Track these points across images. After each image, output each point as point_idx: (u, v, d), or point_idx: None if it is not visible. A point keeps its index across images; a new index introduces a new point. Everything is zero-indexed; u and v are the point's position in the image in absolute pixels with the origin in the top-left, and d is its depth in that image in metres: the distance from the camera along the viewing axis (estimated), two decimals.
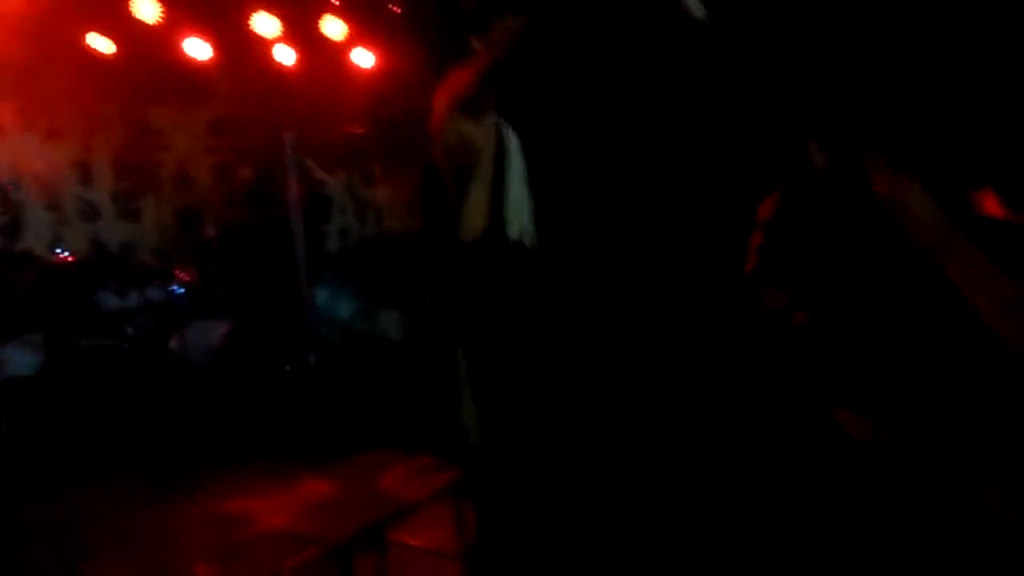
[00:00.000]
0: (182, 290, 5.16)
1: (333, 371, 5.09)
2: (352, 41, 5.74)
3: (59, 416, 4.57)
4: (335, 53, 5.74)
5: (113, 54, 4.94)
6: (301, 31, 5.59)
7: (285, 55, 5.59)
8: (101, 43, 4.92)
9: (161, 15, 4.94)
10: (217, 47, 5.29)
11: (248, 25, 5.39)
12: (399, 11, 5.82)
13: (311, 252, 5.38)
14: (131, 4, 4.82)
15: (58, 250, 4.87)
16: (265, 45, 5.46)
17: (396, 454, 3.42)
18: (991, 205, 2.54)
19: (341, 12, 5.59)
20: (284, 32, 5.50)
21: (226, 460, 4.10)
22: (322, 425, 4.40)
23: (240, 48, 5.39)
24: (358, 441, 3.72)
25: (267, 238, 5.49)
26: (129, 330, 5.01)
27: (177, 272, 5.16)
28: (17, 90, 4.81)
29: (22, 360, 4.77)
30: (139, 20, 4.94)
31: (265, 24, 5.39)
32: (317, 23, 5.64)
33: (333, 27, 5.70)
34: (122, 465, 4.27)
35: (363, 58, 5.87)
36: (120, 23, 4.86)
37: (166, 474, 4.10)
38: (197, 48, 5.27)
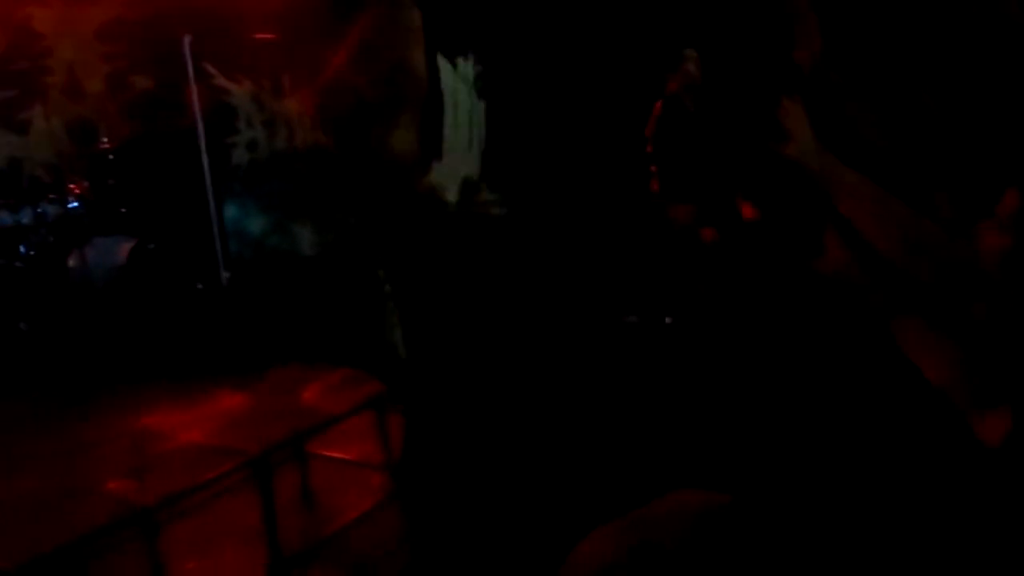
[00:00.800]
0: (76, 204, 4.89)
1: (245, 287, 4.95)
2: None
3: None
4: None
5: None
6: None
7: None
8: None
9: None
10: None
11: None
12: None
13: (217, 165, 5.14)
14: None
15: None
16: None
17: (314, 368, 3.36)
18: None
19: None
20: None
21: (137, 378, 3.96)
22: (237, 341, 4.30)
23: None
24: (275, 357, 3.65)
25: (169, 150, 5.22)
26: (22, 248, 4.73)
27: (71, 186, 4.88)
28: None
29: None
30: None
31: None
32: None
33: None
34: (24, 385, 4.09)
35: None
36: None
37: (73, 393, 3.95)
38: None
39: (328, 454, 3.22)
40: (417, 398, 3.60)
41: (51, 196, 4.81)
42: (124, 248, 4.79)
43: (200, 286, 4.86)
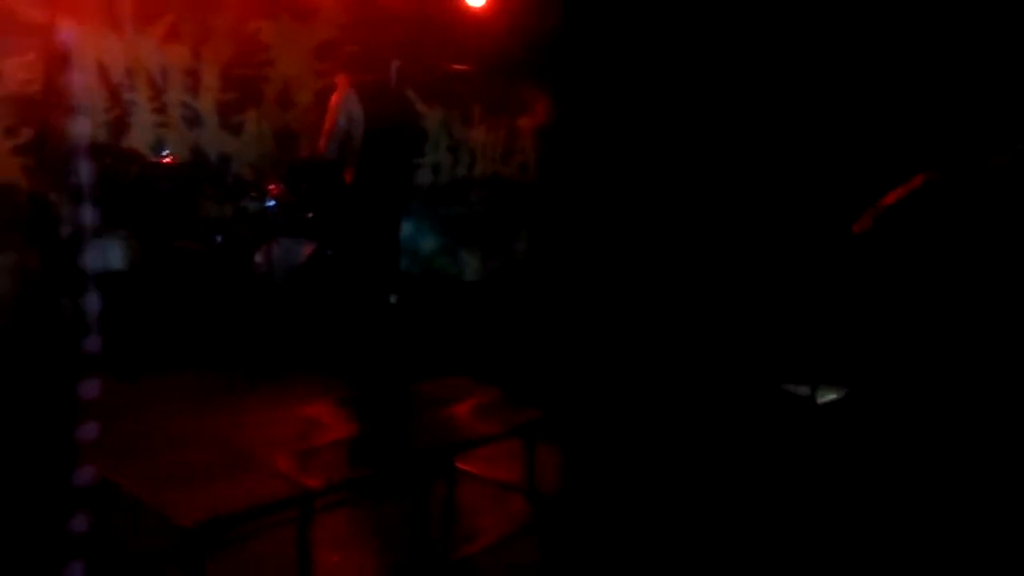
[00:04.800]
0: (272, 204, 5.21)
1: (411, 302, 5.11)
2: None
3: (146, 311, 4.68)
4: None
5: None
6: None
7: None
8: None
9: None
10: None
11: None
12: None
13: (407, 186, 5.38)
14: None
15: (164, 152, 4.96)
16: None
17: (469, 384, 3.41)
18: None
19: None
20: None
21: (309, 370, 4.16)
22: (398, 351, 4.43)
23: None
24: (434, 370, 3.73)
25: (397, 167, 5.49)
26: (218, 238, 5.09)
27: (270, 187, 5.21)
28: None
29: (115, 254, 4.89)
30: None
31: None
32: None
33: None
34: (203, 363, 4.37)
35: None
36: None
37: (247, 375, 4.18)
38: None
39: (476, 472, 3.24)
40: (581, 432, 3.57)
41: (252, 194, 5.16)
42: (305, 250, 5.07)
43: (393, 298, 5.01)
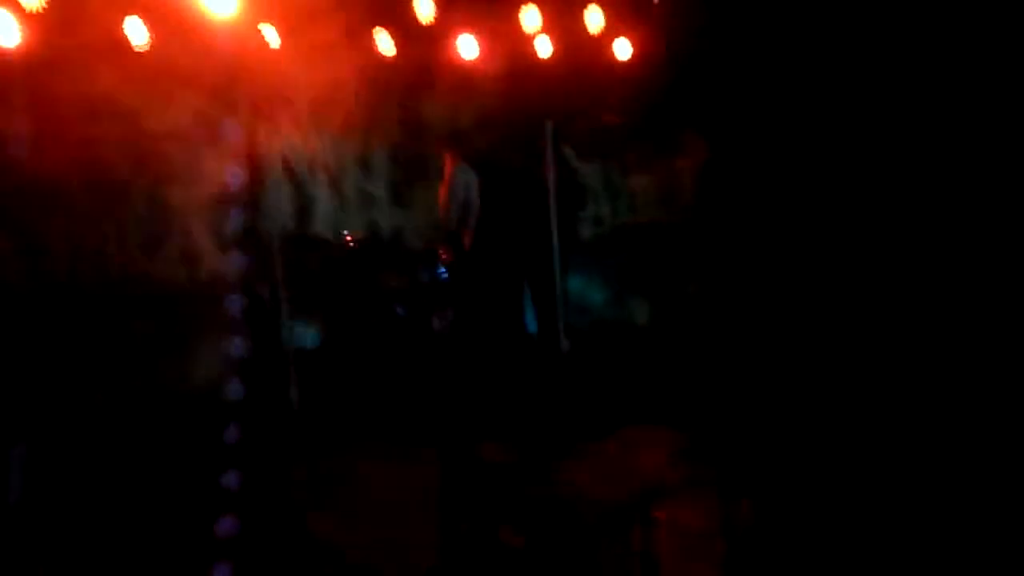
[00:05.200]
0: (445, 272, 5.46)
1: (584, 355, 5.16)
2: (611, 32, 5.81)
3: (340, 385, 4.98)
4: (594, 44, 5.84)
5: (393, 55, 5.36)
6: (561, 24, 5.73)
7: (545, 47, 5.77)
8: (384, 43, 5.34)
9: (435, 15, 5.28)
10: (484, 43, 5.55)
11: (512, 20, 5.62)
12: (657, 1, 5.82)
13: (565, 239, 5.49)
14: (412, 5, 5.21)
15: (344, 233, 5.34)
16: (527, 39, 5.66)
17: (653, 431, 3.39)
18: None
19: (600, 3, 5.67)
20: (544, 25, 5.68)
21: (497, 432, 4.25)
22: (579, 404, 4.47)
23: (504, 43, 5.62)
24: (617, 420, 3.74)
25: (524, 224, 5.67)
26: (399, 309, 5.38)
27: (441, 254, 5.47)
28: (311, 91, 5.31)
29: (308, 333, 5.27)
30: (415, 20, 5.32)
31: (530, 18, 5.59)
32: (577, 15, 5.77)
33: (593, 18, 5.81)
34: (402, 433, 4.57)
35: (623, 49, 5.93)
36: (398, 24, 5.25)
37: (441, 441, 4.33)
38: (467, 45, 5.58)
39: (673, 518, 3.20)
40: (778, 481, 3.45)
41: (423, 263, 5.45)
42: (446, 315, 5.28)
43: (567, 344, 5.14)
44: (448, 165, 5.05)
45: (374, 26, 5.26)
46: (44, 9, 4.56)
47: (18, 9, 4.51)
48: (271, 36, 5.02)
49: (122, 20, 4.57)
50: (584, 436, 3.89)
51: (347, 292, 5.29)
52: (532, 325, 5.40)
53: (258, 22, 4.94)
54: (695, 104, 5.74)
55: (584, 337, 5.31)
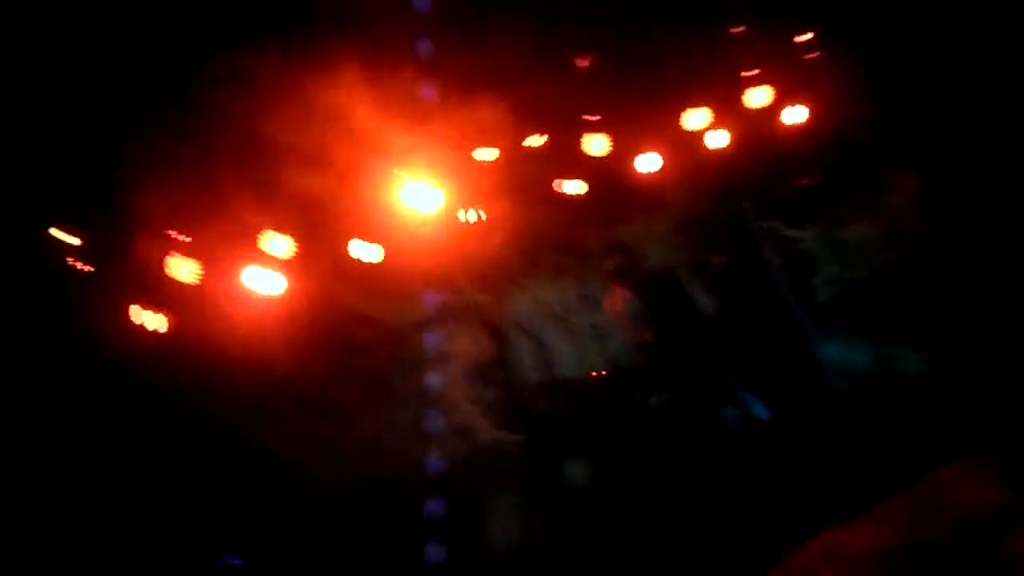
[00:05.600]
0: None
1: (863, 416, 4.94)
2: (780, 102, 5.86)
3: None
4: (766, 118, 5.89)
5: (586, 192, 5.69)
6: (728, 110, 5.85)
7: (719, 138, 5.89)
8: (573, 186, 5.70)
9: (611, 145, 5.60)
10: (664, 155, 5.76)
11: (679, 125, 5.82)
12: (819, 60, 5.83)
13: (804, 308, 5.36)
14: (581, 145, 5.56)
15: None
16: (697, 136, 5.82)
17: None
18: None
19: (763, 79, 5.76)
20: (714, 119, 5.82)
21: None
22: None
23: (675, 148, 5.81)
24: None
25: (754, 307, 5.62)
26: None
27: None
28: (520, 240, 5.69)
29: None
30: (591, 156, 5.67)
31: (697, 118, 5.77)
32: (740, 99, 5.88)
33: (758, 97, 5.89)
34: None
35: (796, 114, 5.93)
36: (577, 164, 5.61)
37: None
38: (648, 162, 5.81)
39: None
40: None
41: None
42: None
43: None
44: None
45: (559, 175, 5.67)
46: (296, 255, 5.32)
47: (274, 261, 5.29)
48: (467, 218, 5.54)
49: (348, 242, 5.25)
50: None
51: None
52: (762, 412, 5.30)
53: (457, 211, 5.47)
54: (890, 141, 5.58)
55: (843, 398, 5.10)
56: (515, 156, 5.50)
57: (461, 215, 5.45)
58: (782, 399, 5.24)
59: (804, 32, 5.88)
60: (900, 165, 5.56)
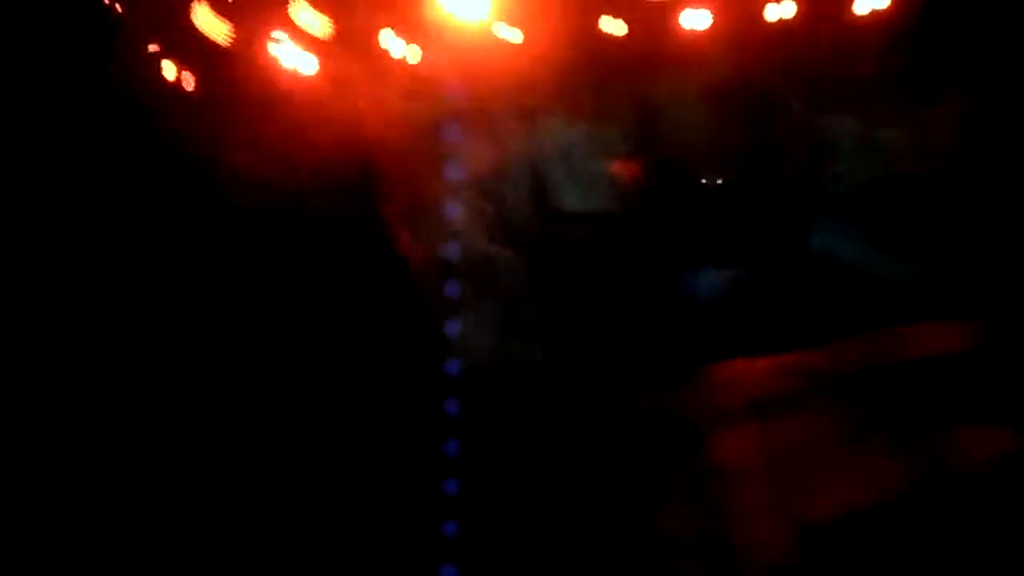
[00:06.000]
0: None
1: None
2: None
3: None
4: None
5: (624, 35, 5.55)
6: None
7: (783, 10, 5.61)
8: (613, 26, 5.56)
9: None
10: (714, 13, 5.54)
11: None
12: None
13: (813, 197, 5.30)
14: None
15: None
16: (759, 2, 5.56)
17: None
18: None
19: None
20: None
21: None
22: None
23: (735, 10, 5.57)
24: None
25: (767, 192, 5.55)
26: None
27: None
28: (559, 84, 5.65)
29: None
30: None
31: None
32: None
33: None
34: None
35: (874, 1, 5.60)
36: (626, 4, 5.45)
37: None
38: (696, 18, 5.60)
39: None
40: None
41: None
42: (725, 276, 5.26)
43: None
44: None
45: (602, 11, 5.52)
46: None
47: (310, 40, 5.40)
48: (509, 34, 5.49)
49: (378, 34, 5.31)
50: None
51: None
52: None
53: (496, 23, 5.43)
54: (951, 54, 5.28)
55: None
56: None
57: (498, 30, 5.43)
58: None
59: None
60: (954, 81, 5.29)
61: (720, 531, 3.26)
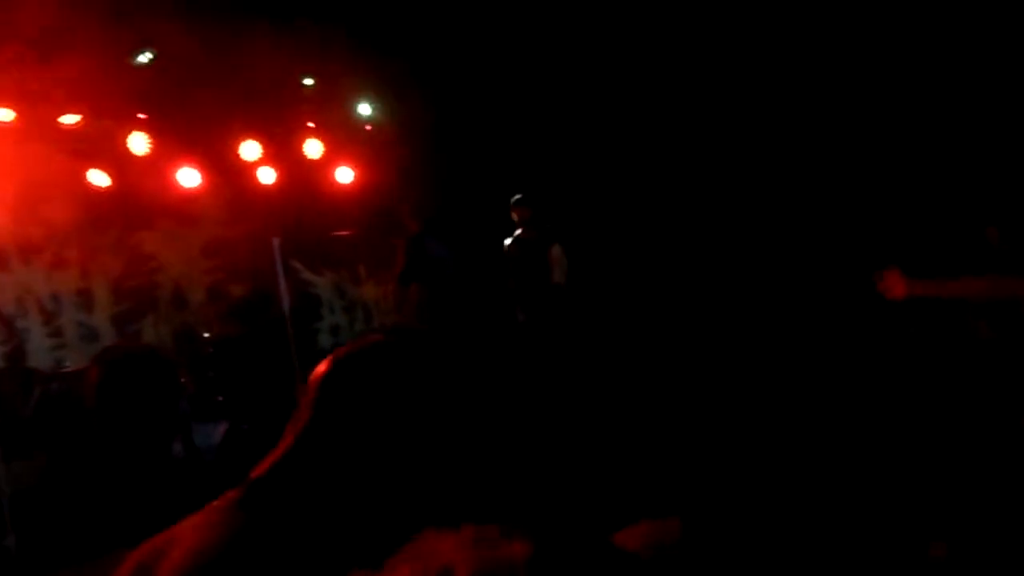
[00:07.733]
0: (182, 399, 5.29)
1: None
2: (331, 158, 6.18)
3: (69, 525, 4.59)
4: (316, 168, 6.17)
5: (109, 186, 5.35)
6: (282, 152, 6.03)
7: (268, 175, 6.00)
8: (98, 177, 5.32)
9: (151, 148, 5.37)
10: (206, 174, 5.69)
11: (233, 152, 5.83)
12: (371, 130, 6.30)
13: (304, 350, 5.54)
14: (125, 139, 5.26)
15: (66, 364, 5.06)
16: (249, 168, 5.87)
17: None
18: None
19: (319, 133, 6.05)
20: (266, 154, 5.93)
21: None
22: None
23: (226, 173, 5.80)
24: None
25: (261, 342, 5.68)
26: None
27: (183, 381, 5.32)
28: (20, 226, 5.15)
29: (29, 476, 4.84)
30: (132, 154, 5.37)
31: (250, 149, 5.83)
32: (297, 145, 6.10)
33: (312, 148, 6.16)
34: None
35: (343, 174, 6.29)
36: (114, 158, 5.28)
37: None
38: (188, 176, 5.68)
39: None
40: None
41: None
42: (220, 430, 5.14)
43: None
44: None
45: (87, 161, 5.26)
46: None
47: None
48: None
49: None
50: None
51: (70, 429, 4.95)
52: None
53: None
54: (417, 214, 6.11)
55: None
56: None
57: None
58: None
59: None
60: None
61: None
